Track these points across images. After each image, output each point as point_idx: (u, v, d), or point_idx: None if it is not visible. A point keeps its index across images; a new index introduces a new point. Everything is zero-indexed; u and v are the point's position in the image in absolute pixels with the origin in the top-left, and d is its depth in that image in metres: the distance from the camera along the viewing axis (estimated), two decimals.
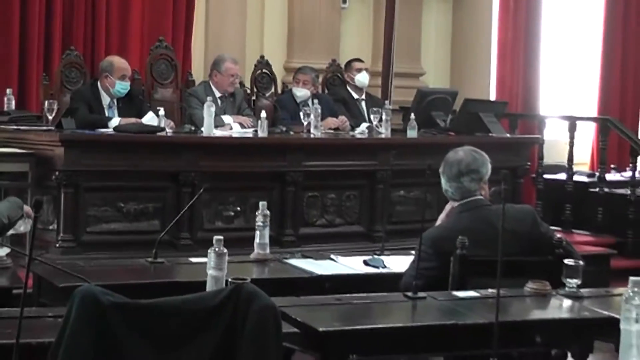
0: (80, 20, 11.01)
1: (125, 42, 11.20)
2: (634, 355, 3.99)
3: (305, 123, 10.02)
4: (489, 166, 5.83)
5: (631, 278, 4.09)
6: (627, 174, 12.27)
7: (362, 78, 11.34)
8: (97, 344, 3.70)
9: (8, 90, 10.05)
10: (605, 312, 4.97)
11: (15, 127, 9.39)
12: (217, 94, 10.20)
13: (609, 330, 4.22)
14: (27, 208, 5.90)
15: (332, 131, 10.43)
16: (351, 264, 6.29)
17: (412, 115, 10.57)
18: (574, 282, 5.38)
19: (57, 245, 8.59)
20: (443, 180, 5.82)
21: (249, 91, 11.19)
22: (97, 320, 3.71)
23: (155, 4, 11.51)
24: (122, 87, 9.54)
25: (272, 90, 11.53)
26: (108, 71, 9.57)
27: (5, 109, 9.84)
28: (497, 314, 3.82)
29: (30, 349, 3.63)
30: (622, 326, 4.04)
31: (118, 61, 9.75)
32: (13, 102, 9.94)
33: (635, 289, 4.02)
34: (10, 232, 5.94)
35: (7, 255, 5.72)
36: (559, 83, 14.81)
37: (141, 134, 9.10)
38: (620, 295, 4.16)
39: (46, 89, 10.11)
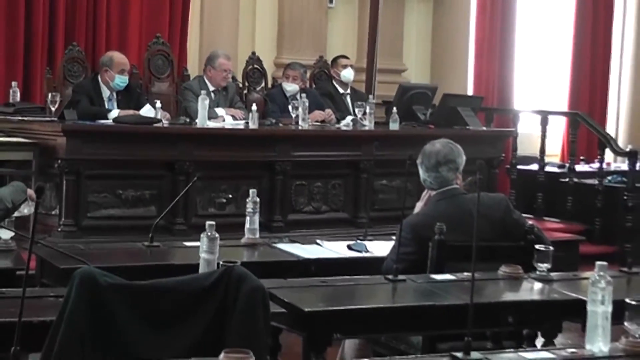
0: (82, 18, 11.02)
1: (124, 38, 11.20)
2: (599, 335, 4.02)
3: (293, 116, 10.03)
4: (464, 157, 5.84)
5: (597, 262, 4.11)
6: (595, 165, 12.32)
7: (347, 74, 11.34)
8: (95, 323, 3.71)
9: (13, 83, 10.03)
10: (573, 295, 4.98)
11: (20, 118, 9.38)
12: (211, 88, 10.20)
13: (577, 311, 4.24)
14: (30, 191, 5.89)
15: (318, 123, 10.43)
16: (336, 249, 6.28)
17: (394, 109, 10.60)
18: (545, 266, 5.39)
19: (59, 229, 8.60)
20: (421, 171, 5.82)
21: (240, 85, 11.17)
22: (95, 300, 3.71)
23: (153, 3, 11.51)
24: (121, 80, 9.53)
25: (263, 84, 11.53)
26: (108, 65, 9.57)
27: (11, 100, 9.83)
28: (472, 295, 3.83)
29: (32, 326, 3.64)
30: (589, 307, 4.07)
31: (117, 56, 9.74)
32: (18, 95, 9.92)
33: (601, 273, 4.05)
34: (15, 214, 5.94)
35: (12, 238, 5.71)
36: (532, 79, 14.84)
37: (139, 125, 9.10)
38: (587, 278, 4.17)
39: (49, 82, 10.08)
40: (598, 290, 4.03)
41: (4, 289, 4.43)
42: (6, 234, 5.81)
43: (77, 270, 3.83)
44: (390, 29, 12.88)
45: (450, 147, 5.83)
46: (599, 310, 4.03)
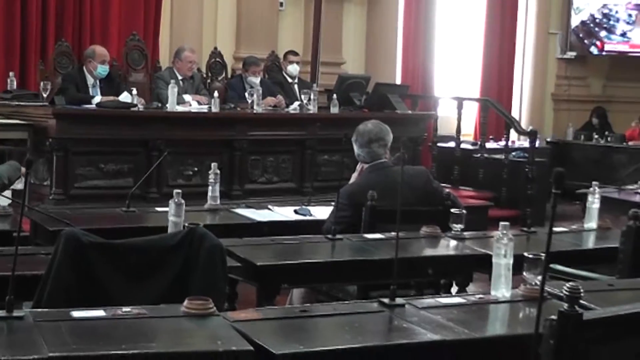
0: (69, 17, 10.93)
1: (105, 35, 11.10)
2: (502, 283, 4.06)
3: (249, 101, 10.01)
4: (392, 135, 5.87)
5: (501, 223, 4.15)
6: (502, 143, 12.41)
7: (292, 69, 11.35)
8: (78, 275, 3.70)
9: (11, 73, 9.99)
10: (482, 250, 5.01)
11: (16, 103, 9.39)
12: (179, 77, 10.16)
13: (485, 264, 4.26)
14: (24, 170, 5.88)
15: (271, 108, 10.41)
16: (284, 213, 6.29)
17: (334, 96, 10.63)
18: (459, 227, 5.43)
19: (51, 197, 8.61)
20: (356, 147, 5.85)
21: (204, 75, 11.12)
22: (78, 256, 3.71)
23: (130, 4, 11.42)
24: (102, 69, 9.50)
25: (223, 75, 11.47)
26: (91, 57, 9.55)
27: (9, 88, 9.80)
28: (397, 251, 3.83)
29: (25, 279, 3.63)
30: (494, 260, 4.11)
31: (99, 48, 9.74)
32: (15, 83, 9.88)
33: (505, 232, 4.09)
34: (11, 188, 5.94)
35: (9, 205, 5.70)
36: (450, 70, 14.85)
37: (118, 109, 9.08)
38: (493, 237, 4.20)
39: (42, 73, 10.03)
40: (502, 246, 4.08)
41: (1, 248, 4.41)
42: (4, 201, 5.79)
43: (63, 231, 3.82)
44: (331, 28, 12.85)
45: (380, 127, 5.86)
46: (502, 262, 4.08)
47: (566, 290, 2.94)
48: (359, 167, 5.93)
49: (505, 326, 3.91)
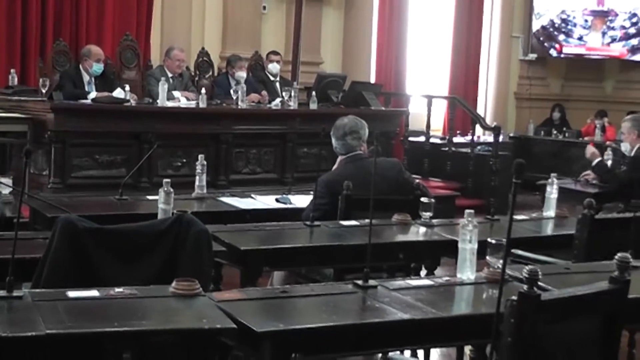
0: (66, 19, 10.92)
1: (100, 35, 11.08)
2: (467, 266, 4.07)
3: (234, 98, 10.01)
4: (367, 130, 5.87)
5: (467, 211, 4.16)
6: (469, 137, 12.48)
7: (273, 68, 11.32)
8: (74, 258, 3.69)
9: (12, 70, 9.98)
10: (449, 236, 5.02)
11: (17, 98, 9.37)
12: (169, 75, 10.15)
13: (452, 249, 4.28)
14: None
15: (254, 104, 10.40)
16: (266, 201, 6.27)
17: (313, 93, 10.62)
18: (428, 214, 5.43)
19: (49, 186, 8.61)
20: (333, 140, 5.84)
21: (193, 73, 11.10)
22: (74, 240, 3.70)
23: (124, 7, 11.40)
24: (97, 67, 9.46)
25: (210, 73, 11.46)
26: (87, 55, 9.52)
27: (10, 84, 9.80)
28: (370, 237, 3.84)
29: (25, 261, 3.62)
30: (460, 245, 4.13)
31: (94, 48, 9.71)
32: (16, 79, 9.89)
33: (470, 219, 4.10)
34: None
35: (10, 193, 5.69)
36: (420, 70, 14.86)
37: (112, 104, 9.08)
38: (459, 224, 4.21)
39: (41, 70, 10.01)
40: (467, 232, 4.09)
41: (2, 232, 4.40)
42: (5, 189, 5.78)
43: (60, 217, 3.81)
44: (311, 30, 12.83)
45: (355, 121, 5.86)
46: (468, 247, 4.10)
47: (526, 273, 2.95)
48: (339, 159, 5.91)
49: (470, 306, 3.92)
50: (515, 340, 2.90)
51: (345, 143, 5.78)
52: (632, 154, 8.32)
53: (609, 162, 9.37)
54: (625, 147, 8.48)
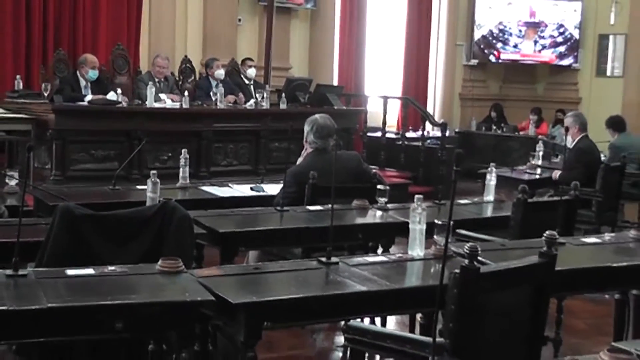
0: (65, 31, 10.92)
1: (95, 45, 11.06)
2: (417, 245, 4.08)
3: (214, 99, 10.04)
4: (332, 126, 5.85)
5: (416, 196, 4.17)
6: (419, 132, 12.47)
7: (250, 72, 11.32)
8: (72, 241, 3.68)
9: (17, 76, 9.98)
10: (402, 219, 5.01)
11: (22, 100, 9.40)
12: (156, 79, 10.10)
13: (404, 230, 4.27)
14: None
15: (231, 104, 10.37)
16: (242, 190, 6.24)
17: (283, 95, 10.65)
18: (383, 200, 5.44)
19: (51, 178, 8.59)
20: (311, 135, 5.71)
21: (177, 78, 11.06)
22: (72, 225, 3.69)
23: (115, 20, 11.38)
24: (93, 73, 9.41)
25: (192, 77, 11.38)
26: (84, 63, 9.47)
27: (16, 88, 9.79)
28: (332, 220, 3.85)
29: (29, 244, 3.59)
30: (411, 226, 4.12)
31: (90, 56, 9.67)
32: (21, 84, 9.87)
33: (419, 203, 4.11)
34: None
35: (16, 184, 5.66)
36: (377, 73, 14.86)
37: (106, 105, 9.05)
38: (410, 208, 4.21)
39: (43, 76, 9.94)
40: (417, 214, 4.09)
41: (10, 219, 4.38)
42: (12, 181, 5.75)
43: (59, 205, 3.80)
44: (280, 40, 12.80)
45: (324, 119, 5.79)
46: (417, 228, 4.10)
47: (467, 250, 2.97)
48: (304, 152, 5.90)
49: (419, 279, 3.92)
50: (457, 308, 2.92)
51: (325, 142, 5.72)
52: (573, 145, 8.45)
53: (541, 153, 9.46)
54: (568, 139, 8.59)
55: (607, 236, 5.04)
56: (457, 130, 14.55)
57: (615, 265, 4.25)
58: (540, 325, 3.27)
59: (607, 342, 2.66)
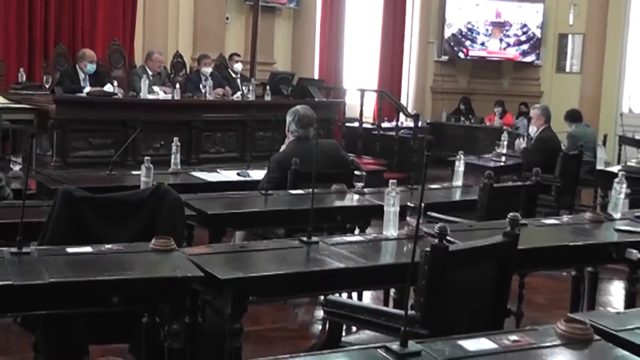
0: (65, 28, 10.91)
1: (93, 41, 11.02)
2: (391, 225, 4.08)
3: (203, 91, 10.02)
4: (313, 116, 5.84)
5: (390, 181, 4.17)
6: (394, 123, 12.49)
7: (237, 67, 11.30)
8: (71, 221, 3.66)
9: (21, 69, 9.95)
10: (378, 202, 5.00)
11: (25, 92, 9.38)
12: (150, 73, 10.05)
13: (379, 212, 4.27)
14: None
15: (219, 96, 10.35)
16: (229, 175, 6.23)
17: (268, 87, 10.66)
18: (360, 185, 5.44)
19: (52, 164, 8.58)
20: (294, 124, 5.67)
21: (169, 72, 11.02)
22: (72, 207, 3.67)
23: (112, 18, 11.36)
24: (91, 67, 9.41)
25: (184, 71, 11.36)
26: (82, 57, 9.47)
27: (19, 81, 9.76)
28: (313, 203, 3.85)
29: (32, 224, 3.57)
30: (385, 209, 4.12)
31: (88, 51, 9.65)
32: (24, 77, 9.85)
33: (393, 187, 4.10)
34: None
35: (20, 169, 5.62)
36: (355, 68, 14.86)
37: (103, 97, 9.03)
38: (385, 192, 4.22)
39: (45, 69, 9.96)
40: (391, 198, 4.09)
41: (14, 201, 4.37)
42: (16, 166, 5.72)
43: (60, 188, 3.79)
44: (265, 37, 12.78)
45: (305, 109, 5.79)
46: (391, 210, 4.10)
47: (437, 230, 2.98)
48: (287, 140, 5.89)
49: (393, 257, 3.93)
50: (428, 283, 2.94)
51: (306, 130, 5.71)
52: (537, 134, 8.52)
53: (505, 142, 9.50)
54: (532, 129, 8.67)
55: (565, 218, 5.09)
56: (428, 121, 14.54)
57: (572, 244, 4.28)
58: (503, 299, 3.29)
59: (565, 315, 2.68)
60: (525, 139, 9.25)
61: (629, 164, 8.69)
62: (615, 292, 6.54)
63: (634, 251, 4.25)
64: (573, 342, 2.50)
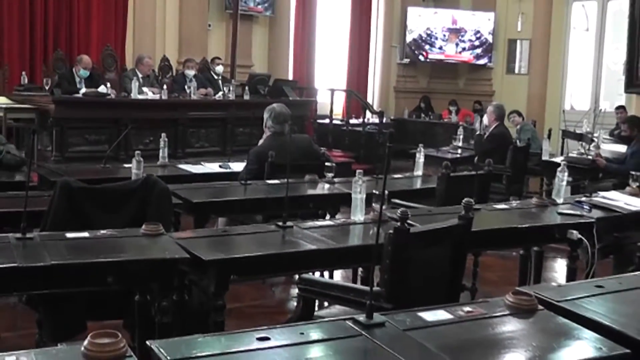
0: (63, 34, 10.88)
1: (88, 46, 10.99)
2: (358, 211, 4.11)
3: (188, 92, 9.95)
4: (287, 113, 5.84)
5: (357, 171, 4.19)
6: (361, 120, 12.51)
7: (219, 69, 11.24)
8: (70, 209, 3.65)
9: (23, 73, 9.88)
10: (346, 190, 5.02)
11: (27, 93, 9.33)
12: (140, 75, 10.00)
13: (348, 199, 4.28)
14: None
15: (202, 96, 10.31)
16: (212, 167, 6.23)
17: (246, 88, 10.59)
18: (330, 175, 5.46)
19: (52, 158, 8.52)
20: (270, 121, 5.65)
21: (157, 74, 10.96)
22: (70, 196, 3.67)
23: (105, 26, 11.32)
24: (84, 72, 9.37)
25: (170, 74, 11.31)
26: (79, 62, 9.44)
27: (22, 83, 9.70)
28: (287, 192, 3.85)
29: (34, 213, 3.55)
30: (353, 196, 4.15)
31: (86, 58, 9.60)
32: (26, 79, 9.78)
33: (359, 177, 4.12)
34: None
35: None
36: (325, 69, 14.84)
37: (97, 97, 8.95)
38: (353, 181, 4.23)
39: (45, 72, 9.96)
40: (358, 186, 4.12)
41: (18, 192, 4.35)
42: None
43: (59, 180, 3.77)
44: (244, 41, 12.73)
45: (280, 107, 5.78)
46: (358, 197, 4.13)
47: (399, 214, 3.00)
48: (264, 135, 5.88)
49: (360, 239, 3.93)
50: (391, 262, 2.95)
51: (282, 126, 5.69)
52: (490, 130, 8.66)
53: (461, 137, 9.56)
54: (484, 121, 8.91)
55: (514, 203, 5.14)
56: (392, 117, 14.57)
57: (520, 226, 4.33)
58: (459, 276, 3.32)
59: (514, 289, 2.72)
60: (479, 130, 9.37)
61: (570, 155, 8.80)
62: (558, 269, 6.62)
63: (575, 232, 4.32)
64: (520, 312, 2.53)
